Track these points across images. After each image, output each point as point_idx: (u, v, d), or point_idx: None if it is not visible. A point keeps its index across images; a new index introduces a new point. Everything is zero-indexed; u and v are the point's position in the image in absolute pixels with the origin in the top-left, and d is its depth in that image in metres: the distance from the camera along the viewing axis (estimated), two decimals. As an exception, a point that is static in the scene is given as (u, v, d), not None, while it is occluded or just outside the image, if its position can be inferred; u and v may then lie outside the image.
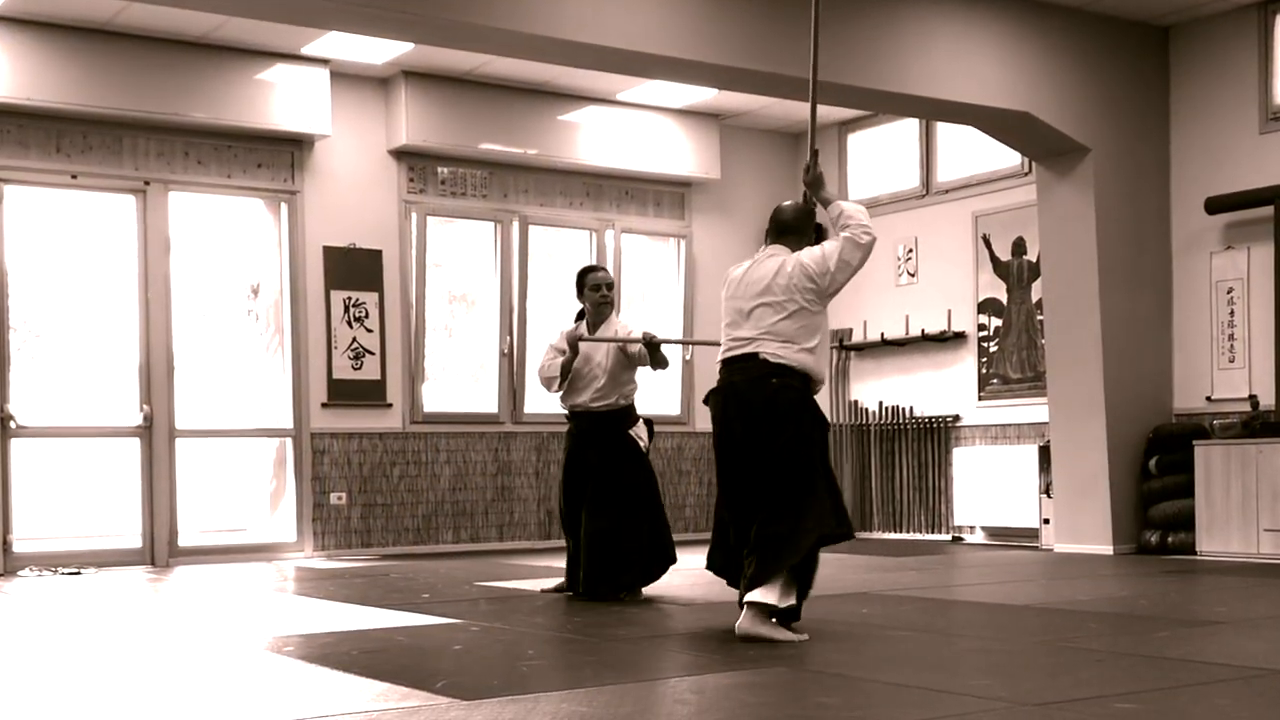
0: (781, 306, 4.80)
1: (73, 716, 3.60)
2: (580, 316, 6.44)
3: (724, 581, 5.10)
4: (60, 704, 3.79)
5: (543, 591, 6.52)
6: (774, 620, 4.65)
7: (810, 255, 4.86)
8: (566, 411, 6.47)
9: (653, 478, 6.31)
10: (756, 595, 4.61)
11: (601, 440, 6.27)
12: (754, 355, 4.81)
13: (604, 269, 6.59)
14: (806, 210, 5.07)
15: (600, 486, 6.21)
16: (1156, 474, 8.54)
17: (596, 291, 6.34)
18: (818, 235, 5.06)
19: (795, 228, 5.01)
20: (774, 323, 4.80)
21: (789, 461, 4.70)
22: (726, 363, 4.93)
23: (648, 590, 6.23)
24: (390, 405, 9.55)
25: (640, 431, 6.27)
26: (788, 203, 5.14)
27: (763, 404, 4.76)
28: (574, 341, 6.26)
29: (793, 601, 4.68)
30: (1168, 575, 7.13)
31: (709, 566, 5.09)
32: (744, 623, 4.63)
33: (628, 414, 6.30)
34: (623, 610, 5.66)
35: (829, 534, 4.74)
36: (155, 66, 8.59)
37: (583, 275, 6.47)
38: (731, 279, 5.02)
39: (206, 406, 9.19)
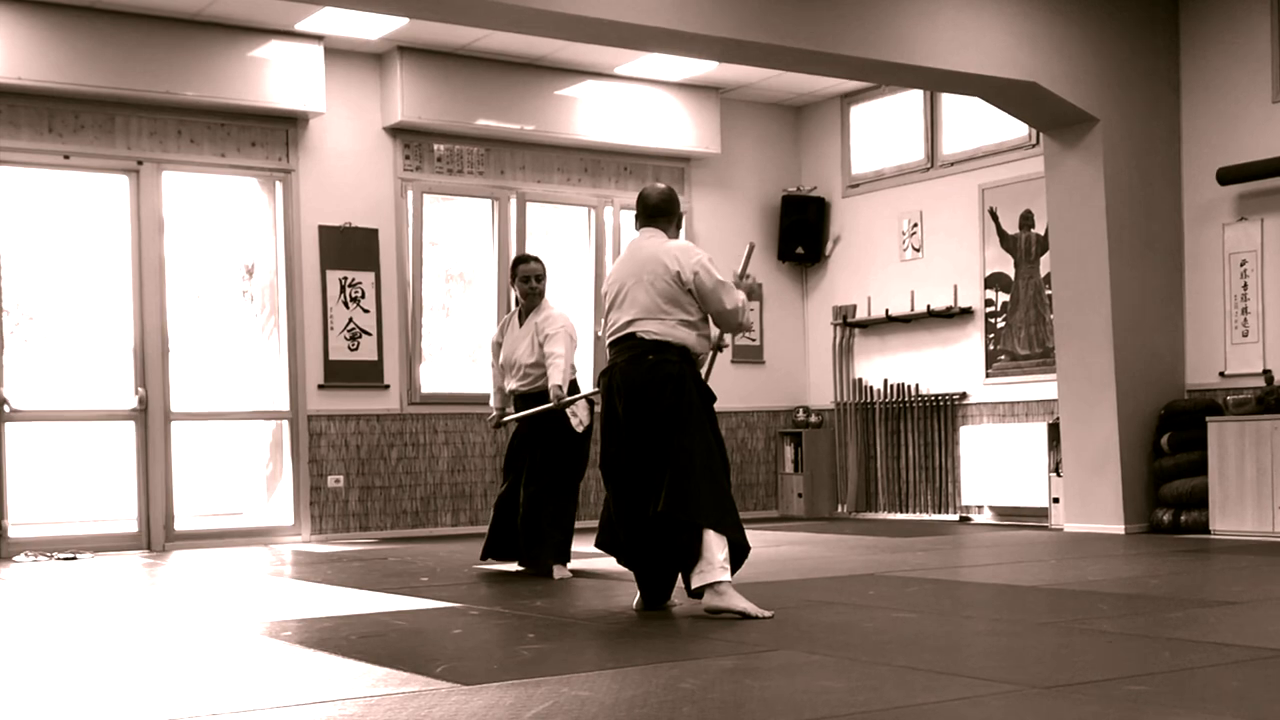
0: (654, 285, 4.95)
1: (71, 702, 3.57)
2: (518, 303, 6.73)
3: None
4: (58, 690, 3.76)
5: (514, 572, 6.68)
6: (733, 586, 4.79)
7: (703, 267, 4.96)
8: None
9: (582, 456, 6.47)
10: (700, 579, 4.74)
11: (541, 424, 6.44)
12: (632, 334, 4.97)
13: (536, 259, 6.72)
14: (671, 191, 5.25)
15: (539, 468, 6.44)
16: (1169, 451, 8.42)
17: (526, 283, 6.61)
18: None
19: (664, 209, 5.17)
20: (649, 300, 4.94)
21: (673, 433, 4.83)
22: (610, 345, 5.09)
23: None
24: (387, 386, 9.47)
25: (579, 410, 6.39)
26: (655, 185, 5.28)
27: (640, 381, 4.91)
28: (496, 424, 6.77)
29: (728, 577, 4.76)
30: (1180, 555, 7.05)
31: (598, 544, 5.23)
32: (708, 599, 4.75)
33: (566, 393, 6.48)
34: (622, 594, 5.58)
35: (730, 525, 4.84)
36: (147, 44, 8.50)
37: (514, 265, 6.73)
38: (614, 266, 5.18)
39: (202, 389, 9.15)
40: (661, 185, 5.28)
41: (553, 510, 6.38)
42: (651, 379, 4.88)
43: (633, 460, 4.92)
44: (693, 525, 4.74)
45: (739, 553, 4.87)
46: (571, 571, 6.41)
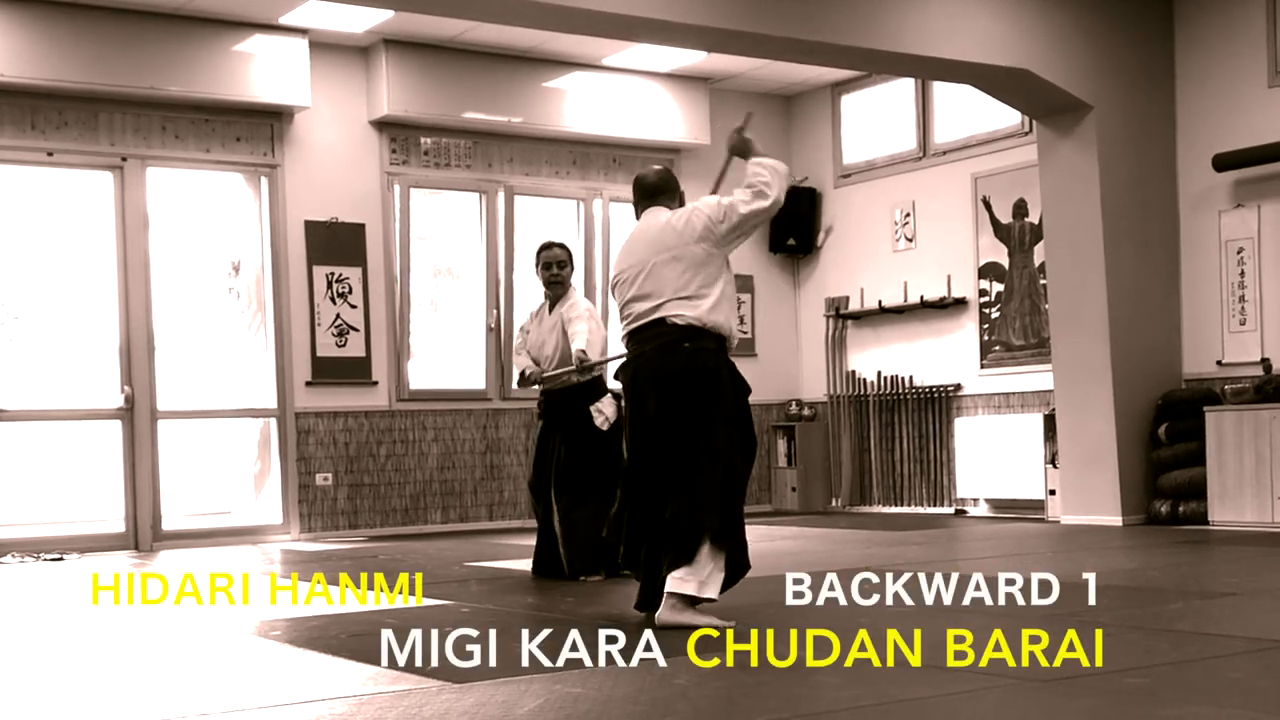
0: (678, 259, 4.56)
1: (60, 704, 3.54)
2: (546, 295, 6.42)
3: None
4: (47, 692, 3.74)
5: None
6: (695, 606, 4.43)
7: (706, 203, 4.67)
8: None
9: (615, 457, 6.02)
10: (676, 584, 4.40)
11: (564, 419, 6.18)
12: (661, 320, 4.55)
13: (560, 245, 6.41)
14: (668, 170, 4.97)
15: (566, 471, 6.15)
16: (1166, 442, 8.36)
17: (547, 270, 6.30)
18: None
19: (663, 188, 4.83)
20: (674, 279, 4.54)
21: (698, 432, 4.48)
22: (633, 334, 4.66)
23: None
24: (375, 383, 9.39)
25: (604, 406, 6.11)
26: (651, 167, 5.01)
27: (675, 371, 4.52)
28: (530, 380, 6.38)
29: (713, 595, 4.43)
30: (1179, 546, 7.00)
31: (626, 565, 4.83)
32: (663, 612, 4.41)
33: (590, 389, 6.17)
34: (616, 593, 5.52)
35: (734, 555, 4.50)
36: (131, 40, 8.43)
37: (538, 252, 6.41)
38: (621, 252, 4.81)
39: (188, 387, 9.07)
40: (657, 166, 5.00)
41: (586, 517, 6.02)
42: (688, 368, 4.49)
43: (658, 459, 4.55)
44: (697, 532, 4.42)
45: (736, 570, 4.51)
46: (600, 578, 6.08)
